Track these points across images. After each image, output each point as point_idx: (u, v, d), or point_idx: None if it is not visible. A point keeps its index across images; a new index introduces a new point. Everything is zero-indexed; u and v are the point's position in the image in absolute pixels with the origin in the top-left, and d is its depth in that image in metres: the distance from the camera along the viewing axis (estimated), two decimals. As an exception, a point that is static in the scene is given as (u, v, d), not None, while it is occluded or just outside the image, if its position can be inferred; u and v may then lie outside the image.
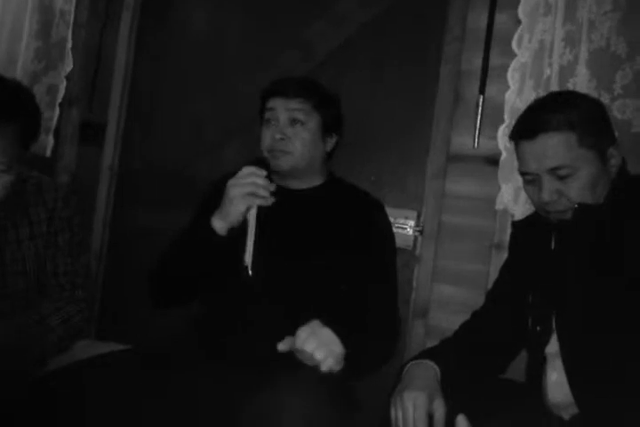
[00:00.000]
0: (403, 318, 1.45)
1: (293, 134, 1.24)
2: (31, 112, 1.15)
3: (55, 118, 1.97)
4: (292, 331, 1.02)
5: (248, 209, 1.10)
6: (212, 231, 1.11)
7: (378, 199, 1.36)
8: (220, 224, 1.11)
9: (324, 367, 0.98)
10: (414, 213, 1.65)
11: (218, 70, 1.94)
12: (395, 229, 1.43)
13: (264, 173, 1.13)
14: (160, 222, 1.17)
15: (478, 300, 1.26)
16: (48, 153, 1.98)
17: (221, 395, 1.07)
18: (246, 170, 1.12)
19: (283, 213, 1.20)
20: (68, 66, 1.99)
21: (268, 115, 1.28)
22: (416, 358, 1.07)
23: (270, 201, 1.11)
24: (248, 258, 1.06)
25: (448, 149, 1.58)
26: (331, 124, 1.30)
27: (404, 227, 1.66)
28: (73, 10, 1.96)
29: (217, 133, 1.91)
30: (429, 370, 1.00)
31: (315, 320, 1.03)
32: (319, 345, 0.98)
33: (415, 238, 1.65)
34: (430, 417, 0.93)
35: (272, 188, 1.12)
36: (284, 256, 1.19)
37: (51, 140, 1.98)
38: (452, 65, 1.58)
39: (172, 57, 2.02)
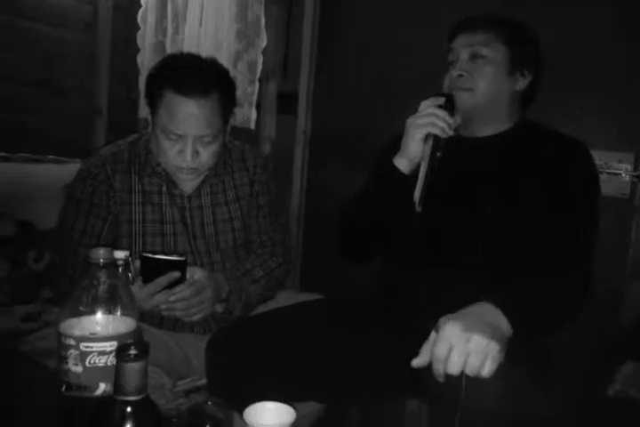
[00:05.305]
0: (617, 277, 1.26)
1: (474, 70, 1.14)
2: (227, 85, 1.27)
3: (256, 92, 2.16)
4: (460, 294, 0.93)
5: (426, 139, 1.06)
6: (394, 168, 1.10)
7: (580, 140, 1.15)
8: (400, 161, 1.10)
9: (485, 374, 0.81)
10: (631, 156, 1.42)
11: (395, 28, 1.91)
12: (605, 176, 1.25)
13: (442, 100, 1.09)
14: (349, 183, 1.23)
15: None
16: (252, 126, 2.19)
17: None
18: (424, 104, 1.10)
19: (462, 163, 1.14)
20: (264, 42, 2.15)
21: (449, 57, 1.20)
22: None
23: (448, 133, 1.06)
24: (417, 193, 1.01)
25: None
26: (521, 59, 1.16)
27: (618, 172, 1.44)
28: (264, -13, 2.10)
29: (399, 91, 1.89)
30: None
31: (471, 308, 0.88)
32: (468, 357, 0.80)
33: (633, 185, 1.44)
34: None
35: (451, 120, 1.07)
36: (459, 210, 1.13)
37: (254, 113, 2.18)
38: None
39: (354, 22, 2.04)
